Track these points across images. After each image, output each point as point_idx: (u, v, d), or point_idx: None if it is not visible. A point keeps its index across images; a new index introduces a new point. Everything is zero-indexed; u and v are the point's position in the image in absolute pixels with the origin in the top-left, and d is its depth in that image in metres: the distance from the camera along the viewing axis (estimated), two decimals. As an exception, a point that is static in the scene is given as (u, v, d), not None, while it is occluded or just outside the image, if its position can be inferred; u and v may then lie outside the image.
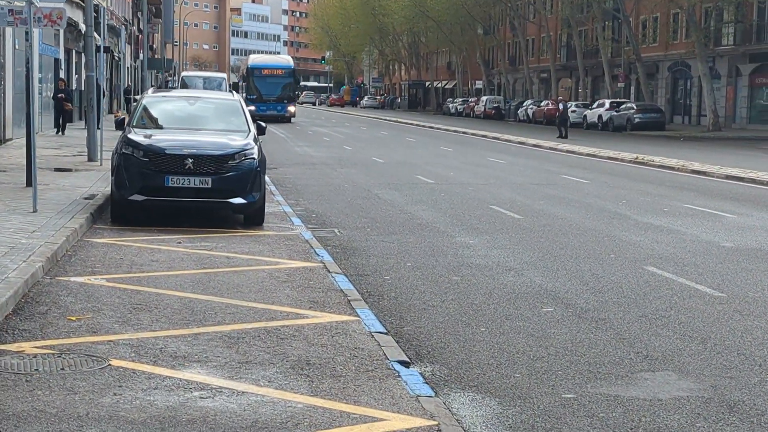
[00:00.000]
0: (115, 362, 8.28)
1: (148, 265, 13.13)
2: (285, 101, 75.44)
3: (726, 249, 16.19)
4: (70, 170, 25.19)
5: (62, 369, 7.99)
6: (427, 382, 8.33)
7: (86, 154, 28.71)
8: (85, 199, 18.97)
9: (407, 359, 9.03)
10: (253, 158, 17.15)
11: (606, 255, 15.39)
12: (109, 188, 20.69)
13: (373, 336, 9.72)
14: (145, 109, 18.87)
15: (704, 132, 62.11)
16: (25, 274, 11.23)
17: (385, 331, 10.09)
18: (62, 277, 12.03)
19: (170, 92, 22.62)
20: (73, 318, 9.87)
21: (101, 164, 26.79)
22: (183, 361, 8.46)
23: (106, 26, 30.12)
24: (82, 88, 45.45)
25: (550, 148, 45.60)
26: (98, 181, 22.40)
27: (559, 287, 12.77)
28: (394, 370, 8.58)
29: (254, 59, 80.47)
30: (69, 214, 16.55)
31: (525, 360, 9.23)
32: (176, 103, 19.59)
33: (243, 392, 7.66)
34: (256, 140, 17.75)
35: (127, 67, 74.53)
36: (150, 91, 20.51)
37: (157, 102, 19.45)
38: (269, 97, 74.55)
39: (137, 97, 46.13)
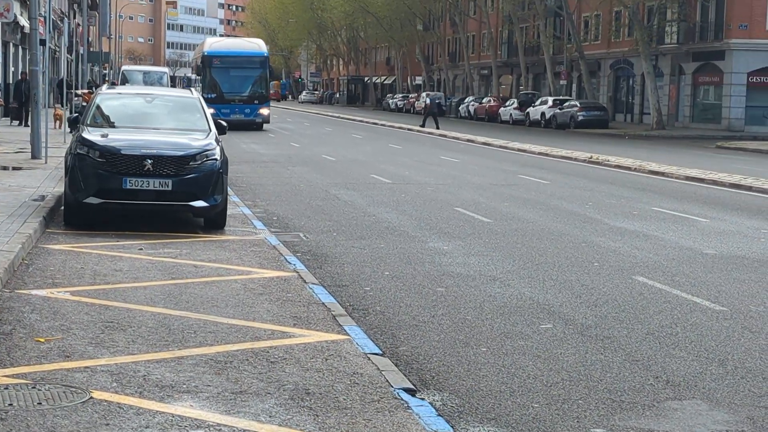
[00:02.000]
0: (97, 394, 7.43)
1: (112, 276, 12.25)
2: (256, 101, 55.27)
3: (710, 257, 15.60)
4: (20, 168, 24.08)
5: (39, 403, 7.14)
6: (441, 415, 7.58)
7: (29, 151, 27.63)
8: (35, 200, 17.99)
9: (412, 386, 8.27)
10: (215, 159, 16.30)
11: (589, 263, 14.72)
12: (58, 188, 19.79)
13: (369, 358, 8.95)
14: (99, 106, 17.89)
15: (648, 130, 61.90)
16: (-17, 287, 10.33)
17: (381, 352, 9.32)
18: (22, 290, 11.12)
19: (125, 89, 21.67)
20: (42, 339, 9.00)
21: (46, 162, 25.74)
22: (171, 391, 7.63)
23: (51, 20, 29.00)
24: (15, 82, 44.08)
25: (500, 147, 45.01)
26: (46, 180, 21.40)
27: (551, 300, 12.07)
28: (402, 399, 7.82)
29: (213, 44, 58.62)
30: (20, 218, 15.58)
31: (539, 387, 8.50)
32: (132, 100, 18.63)
33: (245, 430, 6.86)
34: (217, 140, 16.88)
35: (64, 60, 73.04)
36: (104, 87, 19.55)
37: (111, 99, 18.48)
38: (234, 96, 54.75)
39: (78, 91, 44.98)
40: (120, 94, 19.32)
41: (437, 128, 60.24)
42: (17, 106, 43.82)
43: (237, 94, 54.53)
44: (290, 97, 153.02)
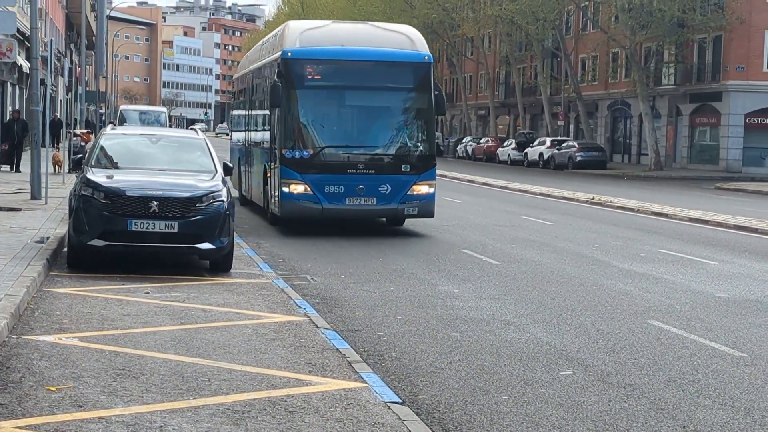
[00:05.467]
0: (113, 447, 7.20)
1: (120, 320, 12.01)
2: (406, 167, 23.22)
3: (723, 300, 15.39)
4: (19, 209, 23.85)
5: (55, 457, 6.91)
6: (468, 468, 7.35)
7: (28, 191, 27.40)
8: (37, 242, 17.74)
9: (436, 437, 8.04)
10: (222, 200, 16.10)
11: (602, 306, 14.52)
12: (60, 229, 19.56)
13: (389, 407, 8.72)
14: (104, 147, 17.69)
15: (647, 171, 61.85)
16: (-9, 333, 10.10)
17: (401, 400, 9.09)
18: (29, 336, 10.89)
19: (130, 129, 21.51)
20: (53, 388, 8.75)
21: (46, 203, 25.51)
22: (190, 443, 7.40)
23: (53, 62, 28.88)
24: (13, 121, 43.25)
25: (501, 187, 44.85)
26: (47, 222, 21.16)
27: (568, 345, 11.85)
28: (427, 451, 7.59)
29: (304, 34, 24.00)
30: (23, 261, 15.34)
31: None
32: (137, 140, 18.45)
33: (269, 485, 6.63)
34: (224, 181, 16.69)
35: (60, 100, 73.06)
36: (108, 128, 19.34)
37: (116, 140, 18.26)
38: (356, 152, 23.15)
39: (77, 131, 44.72)
40: (124, 134, 19.10)
41: None
42: (6, 148, 39.23)
43: (362, 148, 23.30)
44: None
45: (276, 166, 23.20)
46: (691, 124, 67.74)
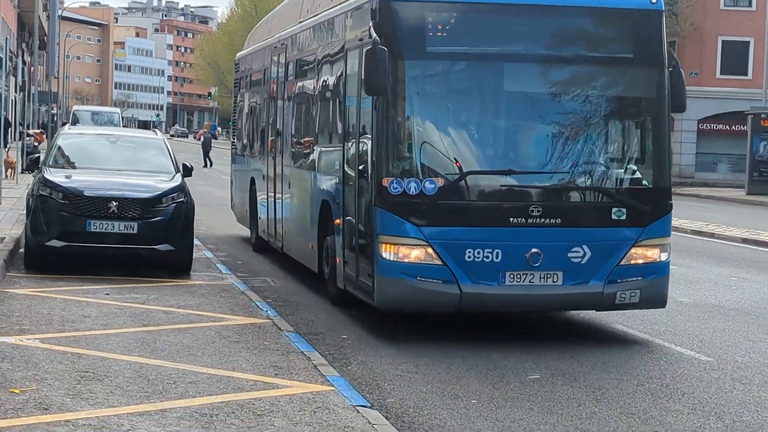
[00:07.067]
0: (81, 451, 7.03)
1: (81, 322, 11.82)
2: (623, 211, 12.22)
3: (685, 305, 15.40)
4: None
5: (22, 461, 6.74)
6: (443, 472, 7.26)
7: (-19, 191, 27.01)
8: (-7, 242, 17.47)
9: (408, 442, 7.94)
10: (182, 201, 15.95)
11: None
12: (15, 230, 19.29)
13: (358, 411, 8.60)
14: (61, 147, 17.44)
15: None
16: (-49, 334, 9.90)
17: (369, 404, 8.98)
18: (-11, 337, 10.68)
19: (88, 129, 21.27)
20: (17, 390, 8.56)
21: (0, 202, 25.15)
22: (159, 447, 7.25)
23: (6, 61, 28.55)
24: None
25: None
26: (2, 222, 20.84)
27: (533, 348, 11.77)
28: (399, 456, 7.48)
29: None
30: (-20, 261, 15.10)
31: None
32: (95, 140, 18.21)
33: (242, 490, 6.50)
34: (183, 182, 16.51)
35: (12, 100, 72.34)
36: (66, 127, 19.10)
37: (74, 139, 18.02)
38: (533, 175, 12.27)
39: (30, 131, 44.19)
40: (82, 134, 18.87)
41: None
42: None
43: (537, 176, 12.20)
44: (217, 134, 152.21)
45: (364, 208, 12.33)
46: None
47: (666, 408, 9.40)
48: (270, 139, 18.58)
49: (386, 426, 8.25)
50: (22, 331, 11.12)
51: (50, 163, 16.73)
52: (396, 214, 11.68)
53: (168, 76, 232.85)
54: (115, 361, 9.90)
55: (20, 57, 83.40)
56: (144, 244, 15.53)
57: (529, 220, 11.73)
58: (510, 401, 9.45)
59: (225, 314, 12.86)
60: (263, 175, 18.96)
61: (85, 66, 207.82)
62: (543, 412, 9.12)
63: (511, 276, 11.75)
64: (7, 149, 29.99)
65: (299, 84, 16.75)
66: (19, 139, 39.59)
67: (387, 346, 11.64)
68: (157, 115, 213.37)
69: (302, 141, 16.26)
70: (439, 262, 11.61)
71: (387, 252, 11.70)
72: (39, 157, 17.68)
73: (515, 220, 11.73)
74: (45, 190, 15.61)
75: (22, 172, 35.13)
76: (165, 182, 16.20)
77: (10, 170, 36.87)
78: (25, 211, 17.34)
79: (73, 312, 12.39)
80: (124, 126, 72.86)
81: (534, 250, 11.70)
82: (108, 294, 13.84)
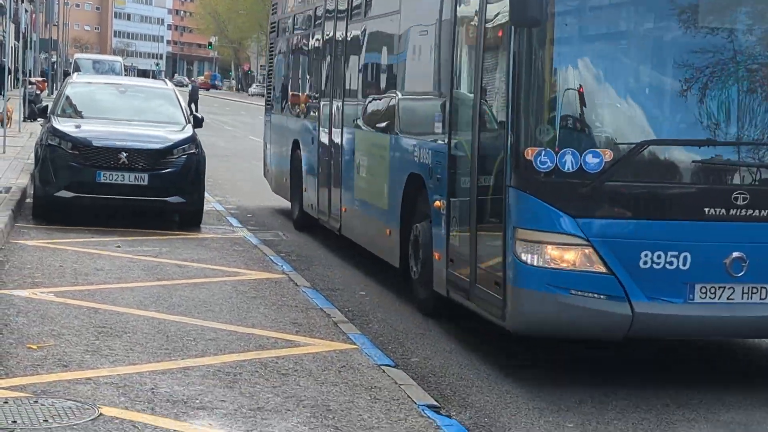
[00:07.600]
0: (106, 410, 6.81)
1: (94, 275, 11.60)
2: None
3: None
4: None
5: (46, 420, 6.52)
6: (475, 436, 7.08)
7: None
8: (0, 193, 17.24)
9: (436, 403, 7.73)
10: (193, 153, 15.70)
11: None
12: (21, 180, 19.06)
13: (383, 371, 8.39)
14: (70, 96, 17.14)
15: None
16: (-36, 287, 9.69)
17: (394, 363, 8.78)
18: (3, 290, 10.44)
19: (96, 78, 20.96)
20: (34, 346, 8.35)
21: (4, 152, 24.88)
22: (185, 407, 7.04)
23: (10, 8, 28.19)
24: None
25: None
26: (7, 172, 20.59)
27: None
28: (429, 417, 7.27)
29: None
30: (-12, 211, 14.88)
31: (571, 404, 8.01)
32: (104, 90, 17.91)
33: (274, 454, 6.31)
34: (194, 134, 16.24)
35: (11, 47, 71.85)
36: (74, 76, 18.79)
37: (82, 88, 17.71)
38: None
39: (32, 79, 43.83)
40: (90, 83, 18.57)
41: None
42: None
43: (743, 148, 8.69)
44: (235, 89, 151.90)
45: (491, 189, 9.11)
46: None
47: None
48: (326, 91, 14.94)
49: (413, 387, 8.05)
50: (35, 284, 10.90)
51: (59, 113, 16.45)
52: (543, 200, 8.27)
53: (168, 24, 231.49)
54: (133, 316, 9.69)
55: (21, 4, 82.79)
56: (154, 195, 15.28)
57: (732, 212, 8.30)
58: (540, 362, 9.28)
59: (239, 269, 12.66)
60: (313, 138, 15.43)
61: (84, 14, 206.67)
62: (567, 380, 8.95)
63: (703, 290, 8.35)
64: (6, 99, 29.47)
65: (375, 16, 13.02)
66: (21, 86, 39.15)
67: (407, 303, 11.43)
68: (157, 65, 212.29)
69: (379, 93, 12.62)
70: (604, 270, 8.22)
71: (528, 253, 8.32)
72: (47, 105, 17.36)
73: (712, 211, 8.30)
74: (54, 140, 15.35)
75: (24, 120, 34.74)
76: (175, 133, 15.95)
77: (9, 121, 36.40)
78: (30, 161, 17.08)
79: (85, 265, 12.18)
80: (125, 75, 72.35)
81: (736, 254, 8.31)
82: (119, 246, 13.62)
